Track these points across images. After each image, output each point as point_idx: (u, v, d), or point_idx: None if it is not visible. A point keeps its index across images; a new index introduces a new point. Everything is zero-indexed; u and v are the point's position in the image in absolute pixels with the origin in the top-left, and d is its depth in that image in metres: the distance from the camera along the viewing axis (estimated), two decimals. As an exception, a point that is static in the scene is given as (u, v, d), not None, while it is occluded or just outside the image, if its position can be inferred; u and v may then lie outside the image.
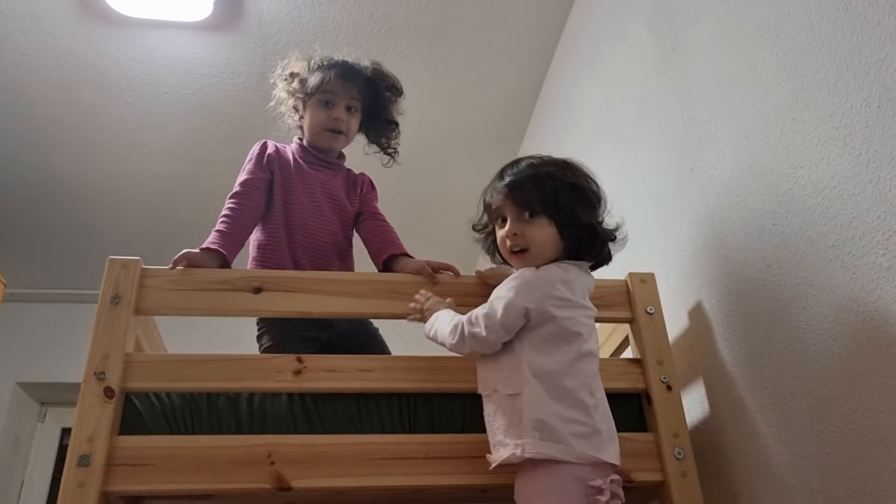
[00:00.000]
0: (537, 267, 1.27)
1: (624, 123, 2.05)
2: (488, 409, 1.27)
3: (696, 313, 1.61)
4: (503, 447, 1.19)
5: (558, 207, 1.27)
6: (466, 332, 1.27)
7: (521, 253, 1.29)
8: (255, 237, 1.74)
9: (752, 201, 1.40)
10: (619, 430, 1.44)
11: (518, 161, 1.36)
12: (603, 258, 1.35)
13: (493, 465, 1.20)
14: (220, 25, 2.49)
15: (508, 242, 1.30)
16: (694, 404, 1.60)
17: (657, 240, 1.80)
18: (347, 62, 1.77)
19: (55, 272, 3.62)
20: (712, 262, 1.54)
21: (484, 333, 1.24)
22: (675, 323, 1.67)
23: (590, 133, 2.33)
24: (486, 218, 1.41)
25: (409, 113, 2.87)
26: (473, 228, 1.44)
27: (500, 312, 1.23)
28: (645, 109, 1.90)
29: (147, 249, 3.29)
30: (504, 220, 1.32)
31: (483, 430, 1.29)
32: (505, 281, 1.29)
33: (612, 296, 1.59)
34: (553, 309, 1.22)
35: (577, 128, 2.45)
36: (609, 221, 1.35)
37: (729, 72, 1.49)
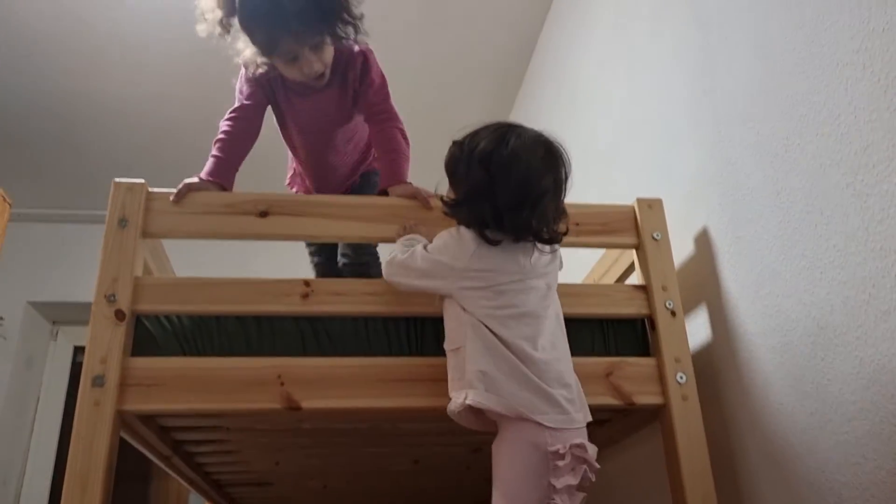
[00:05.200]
0: None
1: (636, 43, 1.99)
2: None
3: (703, 240, 1.61)
4: None
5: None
6: None
7: None
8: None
9: (766, 126, 1.37)
10: (622, 355, 1.48)
11: None
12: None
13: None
14: (219, -62, 2.39)
15: None
16: (697, 330, 1.62)
17: (666, 164, 1.78)
18: (282, 8, 1.48)
19: (60, 192, 3.61)
20: (721, 188, 1.53)
21: None
22: (680, 249, 1.67)
23: (600, 53, 2.27)
24: None
25: (410, 40, 2.81)
26: None
27: None
28: (658, 29, 1.85)
29: (151, 170, 3.27)
30: None
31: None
32: None
33: (619, 221, 1.59)
34: None
35: (586, 48, 2.39)
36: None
37: (747, -9, 1.44)
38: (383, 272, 1.38)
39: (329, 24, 1.55)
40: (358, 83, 1.70)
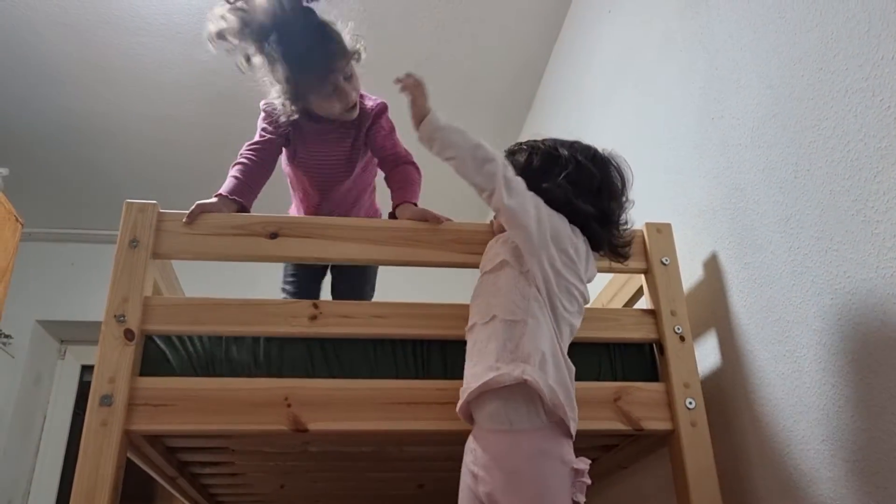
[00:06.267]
0: None
1: (644, 69, 2.00)
2: None
3: (712, 265, 1.61)
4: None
5: (523, 168, 1.31)
6: None
7: None
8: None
9: (774, 153, 1.38)
10: (630, 380, 1.47)
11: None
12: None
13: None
14: (232, -37, 2.43)
15: None
16: (706, 355, 1.61)
17: (674, 189, 1.79)
18: (321, 48, 1.57)
19: (71, 212, 3.64)
20: (730, 213, 1.53)
21: None
22: (689, 274, 1.66)
23: (608, 78, 2.29)
24: None
25: (420, 64, 2.83)
26: None
27: None
28: (666, 55, 1.86)
29: (161, 190, 3.32)
30: None
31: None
32: None
33: (628, 246, 1.59)
34: None
35: (595, 73, 2.41)
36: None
37: (755, 18, 1.45)
38: (472, 156, 1.25)
39: (350, 53, 1.62)
40: (367, 129, 1.76)
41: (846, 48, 1.18)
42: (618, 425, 1.41)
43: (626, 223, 1.33)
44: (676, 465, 1.41)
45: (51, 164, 3.33)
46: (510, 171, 1.25)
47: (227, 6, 1.55)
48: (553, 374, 1.15)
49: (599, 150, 1.34)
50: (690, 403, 1.43)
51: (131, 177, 3.43)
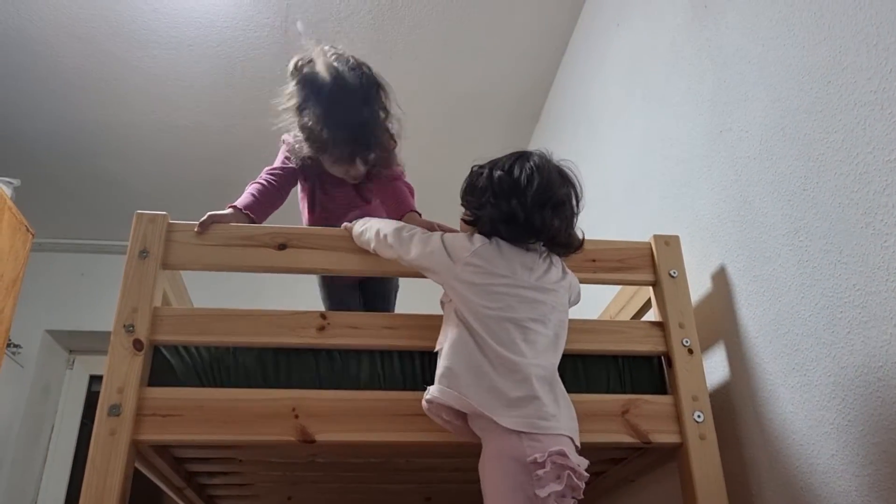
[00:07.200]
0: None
1: (652, 82, 2.01)
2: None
3: (720, 277, 1.60)
4: None
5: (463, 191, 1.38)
6: None
7: None
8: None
9: (783, 165, 1.38)
10: (638, 393, 1.46)
11: None
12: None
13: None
14: (243, -23, 2.46)
15: None
16: (714, 368, 1.60)
17: (683, 202, 1.78)
18: (348, 126, 1.56)
19: (82, 223, 3.67)
20: (738, 225, 1.53)
21: None
22: (697, 286, 1.66)
23: (617, 92, 2.29)
24: None
25: (429, 78, 2.85)
26: None
27: None
28: (674, 68, 1.86)
29: (171, 201, 3.34)
30: None
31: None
32: None
33: (636, 258, 1.59)
34: None
35: (603, 86, 2.41)
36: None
37: (763, 31, 1.46)
38: (376, 239, 1.42)
39: (376, 142, 1.61)
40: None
41: (854, 61, 1.19)
42: (626, 438, 1.41)
43: (540, 218, 1.28)
44: (685, 478, 1.41)
45: (61, 175, 3.35)
46: (404, 231, 1.39)
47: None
48: (468, 380, 1.19)
49: (535, 157, 1.33)
50: (699, 416, 1.42)
51: (141, 188, 3.45)
